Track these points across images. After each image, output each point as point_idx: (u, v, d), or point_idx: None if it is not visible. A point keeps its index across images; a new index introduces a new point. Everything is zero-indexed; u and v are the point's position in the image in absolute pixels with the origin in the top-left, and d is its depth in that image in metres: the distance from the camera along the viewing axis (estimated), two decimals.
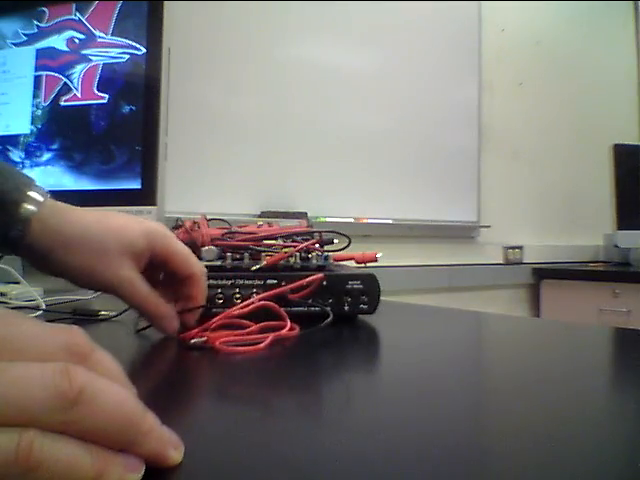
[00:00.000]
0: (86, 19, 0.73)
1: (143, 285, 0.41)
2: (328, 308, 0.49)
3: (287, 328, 0.42)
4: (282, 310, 0.44)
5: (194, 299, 0.43)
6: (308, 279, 0.48)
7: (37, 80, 0.74)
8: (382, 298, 0.51)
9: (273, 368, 0.35)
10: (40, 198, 0.39)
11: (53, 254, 0.38)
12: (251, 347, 0.37)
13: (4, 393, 0.15)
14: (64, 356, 0.18)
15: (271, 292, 0.47)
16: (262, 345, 0.38)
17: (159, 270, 0.44)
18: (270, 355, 0.37)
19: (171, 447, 0.19)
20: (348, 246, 0.58)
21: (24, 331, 0.17)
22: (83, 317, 0.54)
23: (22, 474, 0.15)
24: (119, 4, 0.72)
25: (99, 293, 0.78)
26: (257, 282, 0.49)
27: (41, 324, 0.18)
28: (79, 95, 0.72)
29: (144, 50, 0.70)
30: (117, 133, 0.71)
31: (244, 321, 0.42)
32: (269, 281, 0.49)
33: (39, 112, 0.74)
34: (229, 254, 0.52)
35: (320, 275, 0.48)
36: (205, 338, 0.38)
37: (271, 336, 0.39)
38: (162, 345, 0.42)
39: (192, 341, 0.39)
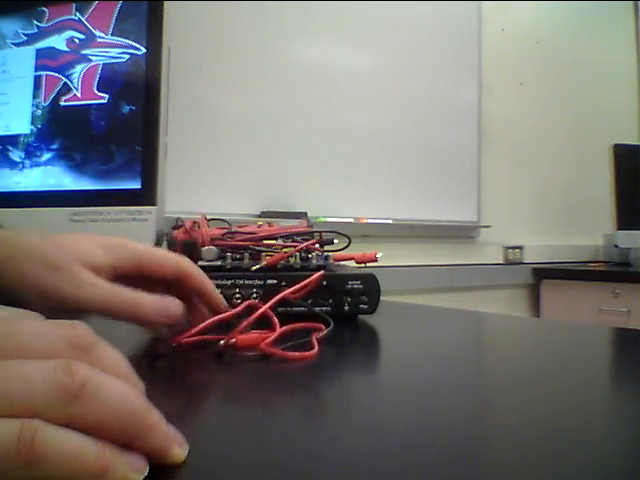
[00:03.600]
0: (86, 19, 0.73)
1: (112, 284, 0.34)
2: (327, 309, 0.49)
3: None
4: (274, 318, 0.41)
5: (203, 297, 0.39)
6: (308, 280, 0.48)
7: (37, 80, 0.74)
8: (382, 298, 0.51)
9: (272, 369, 0.35)
10: None
11: (4, 279, 0.33)
12: (307, 353, 0.35)
13: (6, 389, 0.15)
14: (67, 350, 0.18)
15: (275, 299, 0.44)
16: (315, 351, 0.36)
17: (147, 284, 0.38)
18: (269, 358, 0.37)
19: (175, 444, 0.18)
20: (348, 246, 0.58)
21: (25, 329, 0.18)
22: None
23: (24, 467, 0.15)
24: (119, 4, 0.72)
25: None
26: (257, 282, 0.49)
27: (42, 321, 0.18)
28: (79, 95, 0.72)
29: (144, 50, 0.70)
30: (117, 133, 0.71)
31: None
32: (269, 281, 0.49)
33: (39, 112, 0.74)
34: (229, 254, 0.52)
35: (320, 272, 0.48)
36: (235, 340, 0.36)
37: (314, 338, 0.38)
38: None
39: (221, 342, 0.36)
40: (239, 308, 0.42)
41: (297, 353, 0.36)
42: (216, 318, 0.39)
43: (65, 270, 0.34)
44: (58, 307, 0.34)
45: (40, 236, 0.36)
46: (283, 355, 0.35)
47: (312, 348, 0.37)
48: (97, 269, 0.35)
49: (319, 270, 0.51)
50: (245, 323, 0.38)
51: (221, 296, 0.41)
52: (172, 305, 0.35)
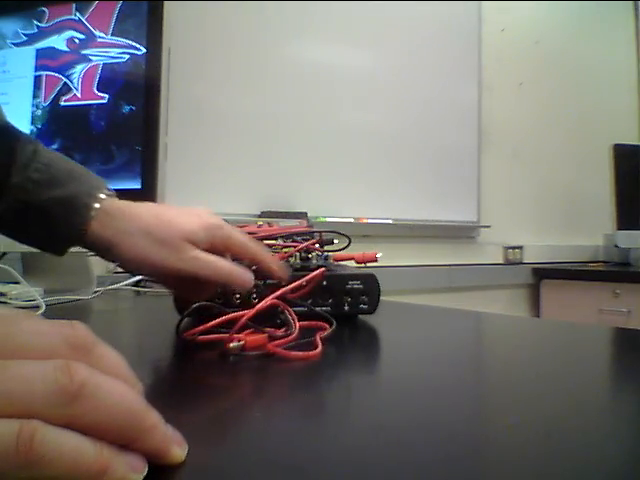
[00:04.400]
0: (86, 19, 0.73)
1: (208, 255, 0.42)
2: (328, 309, 0.49)
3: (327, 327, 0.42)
4: (291, 311, 0.43)
5: (271, 276, 0.46)
6: (308, 277, 0.47)
7: (37, 80, 0.74)
8: (382, 298, 0.51)
9: (273, 370, 0.35)
10: (105, 198, 0.43)
11: (115, 249, 0.41)
12: (311, 353, 0.36)
13: (5, 390, 0.15)
14: (66, 351, 0.18)
15: (277, 293, 0.45)
16: (318, 350, 0.36)
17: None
18: (272, 356, 0.37)
19: (174, 444, 0.18)
20: (348, 246, 0.58)
21: (24, 329, 0.18)
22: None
23: (23, 467, 0.15)
24: (119, 4, 0.72)
25: (99, 293, 0.78)
26: (257, 282, 0.49)
27: (42, 321, 0.18)
28: (79, 95, 0.72)
29: (144, 50, 0.70)
30: (117, 133, 0.71)
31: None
32: (269, 281, 0.49)
33: (39, 112, 0.73)
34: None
35: (321, 270, 0.48)
36: (243, 342, 0.37)
37: (318, 338, 0.38)
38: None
39: (231, 345, 0.36)
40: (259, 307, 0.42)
41: (301, 353, 0.36)
42: (229, 317, 0.39)
43: (171, 245, 0.41)
44: (162, 275, 0.43)
45: (153, 213, 0.43)
46: (287, 355, 0.35)
47: (316, 347, 0.37)
48: (197, 244, 0.42)
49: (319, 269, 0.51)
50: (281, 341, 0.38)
51: (283, 270, 0.47)
52: (251, 277, 0.44)
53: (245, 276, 0.43)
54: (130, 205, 0.44)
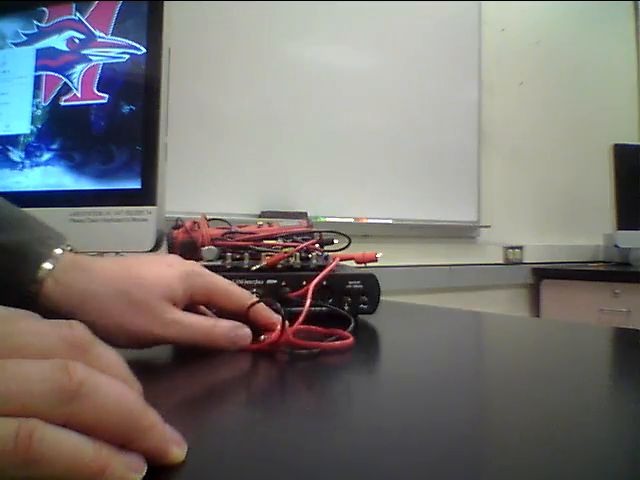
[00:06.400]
0: (86, 19, 0.73)
1: (189, 316, 0.36)
2: (333, 306, 0.49)
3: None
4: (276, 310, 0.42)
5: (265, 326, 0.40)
6: (329, 268, 0.48)
7: (37, 80, 0.74)
8: (382, 298, 0.51)
9: (273, 371, 0.35)
10: (62, 253, 0.34)
11: (80, 316, 0.30)
12: (346, 341, 0.38)
13: (4, 389, 0.15)
14: (64, 350, 0.18)
15: (323, 274, 0.47)
16: (350, 340, 0.38)
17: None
18: (273, 358, 0.37)
19: (173, 444, 0.18)
20: (348, 246, 0.58)
21: (23, 328, 0.18)
22: None
23: (22, 466, 0.15)
24: (119, 4, 0.72)
25: None
26: (257, 282, 0.49)
27: (40, 321, 0.18)
28: (79, 95, 0.72)
29: (144, 50, 0.70)
30: (117, 133, 0.71)
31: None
32: (269, 281, 0.49)
33: (39, 112, 0.73)
34: (229, 254, 0.52)
35: (333, 264, 0.49)
36: (265, 337, 0.38)
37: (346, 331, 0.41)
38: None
39: (261, 337, 0.38)
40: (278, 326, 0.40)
41: (338, 342, 0.38)
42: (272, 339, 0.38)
43: (149, 308, 0.34)
44: (142, 343, 0.34)
45: (118, 266, 0.35)
46: (331, 346, 0.37)
47: (347, 338, 0.39)
48: (175, 302, 0.35)
49: (319, 270, 0.51)
50: (301, 318, 0.39)
51: (279, 321, 0.39)
52: (242, 335, 0.37)
53: (224, 337, 0.36)
54: (95, 260, 0.35)
